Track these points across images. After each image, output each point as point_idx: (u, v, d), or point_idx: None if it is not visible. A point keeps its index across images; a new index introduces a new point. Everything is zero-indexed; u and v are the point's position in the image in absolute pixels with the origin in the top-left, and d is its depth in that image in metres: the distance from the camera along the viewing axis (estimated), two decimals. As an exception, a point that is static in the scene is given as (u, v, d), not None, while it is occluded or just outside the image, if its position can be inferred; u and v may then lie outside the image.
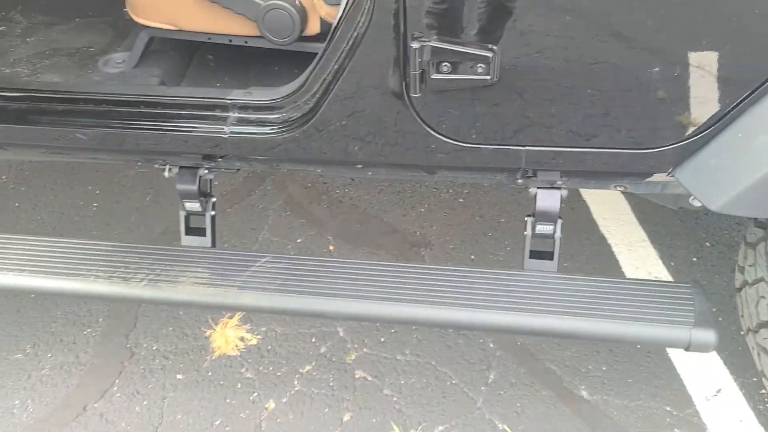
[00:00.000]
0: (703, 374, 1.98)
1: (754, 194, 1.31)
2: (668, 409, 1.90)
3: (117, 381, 2.03)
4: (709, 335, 1.47)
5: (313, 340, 2.14)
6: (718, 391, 1.94)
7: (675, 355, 2.04)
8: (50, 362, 2.09)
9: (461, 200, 2.63)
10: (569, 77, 1.34)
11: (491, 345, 2.09)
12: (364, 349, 2.10)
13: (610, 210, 2.56)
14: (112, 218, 2.61)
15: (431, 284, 1.62)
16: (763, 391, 1.92)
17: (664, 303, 1.55)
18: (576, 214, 2.54)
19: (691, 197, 1.68)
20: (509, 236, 2.47)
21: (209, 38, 1.74)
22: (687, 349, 1.50)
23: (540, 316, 1.54)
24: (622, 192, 1.63)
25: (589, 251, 2.39)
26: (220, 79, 1.82)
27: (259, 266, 1.69)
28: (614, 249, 2.40)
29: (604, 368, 2.01)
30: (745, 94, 1.30)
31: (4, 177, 2.82)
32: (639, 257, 2.36)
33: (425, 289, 1.61)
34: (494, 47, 1.29)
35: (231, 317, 2.20)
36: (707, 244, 2.40)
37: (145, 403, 1.97)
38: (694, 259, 2.34)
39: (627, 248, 2.40)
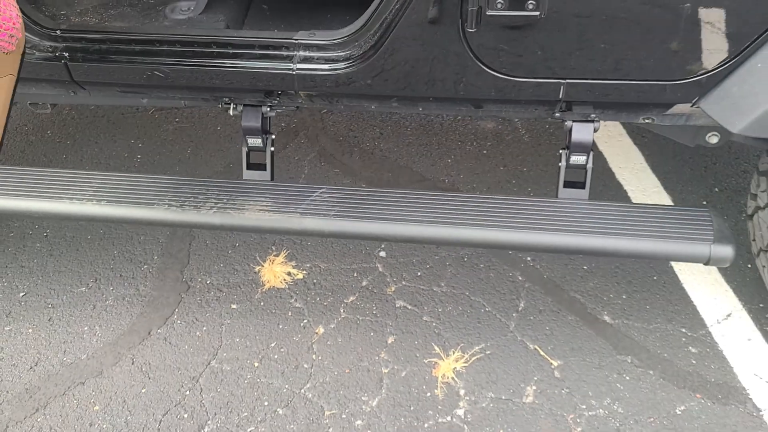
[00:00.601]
0: (715, 301, 2.17)
1: (773, 117, 1.48)
2: (683, 330, 2.09)
3: (176, 310, 2.20)
4: (727, 250, 1.65)
5: (355, 274, 2.31)
6: (728, 315, 2.13)
7: (688, 285, 2.22)
8: (113, 294, 2.26)
9: (485, 152, 2.80)
10: (607, 12, 1.50)
11: (520, 278, 2.27)
12: (403, 282, 2.28)
13: (625, 160, 2.74)
14: (156, 169, 2.77)
15: (475, 210, 1.79)
16: (770, 314, 2.11)
17: (686, 224, 1.73)
18: (594, 164, 2.70)
19: (708, 134, 1.86)
20: (531, 183, 2.64)
21: (272, -15, 1.89)
22: (707, 263, 1.68)
23: (575, 235, 1.71)
24: (648, 125, 1.80)
25: (607, 197, 2.56)
26: (277, 26, 1.98)
27: (317, 196, 1.86)
28: (630, 195, 2.58)
29: (624, 296, 2.20)
30: (765, 28, 1.46)
31: (49, 131, 2.97)
32: (653, 201, 2.53)
33: (470, 214, 1.78)
34: (544, -15, 1.45)
35: (277, 255, 2.37)
36: (716, 189, 2.58)
37: (204, 329, 2.15)
38: (704, 202, 2.53)
39: (642, 193, 2.58)
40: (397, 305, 2.21)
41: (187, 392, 1.97)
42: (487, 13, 1.49)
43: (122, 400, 1.96)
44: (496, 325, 2.13)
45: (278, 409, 1.92)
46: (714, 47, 1.51)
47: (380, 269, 2.32)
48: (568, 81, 1.61)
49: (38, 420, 1.91)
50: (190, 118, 3.04)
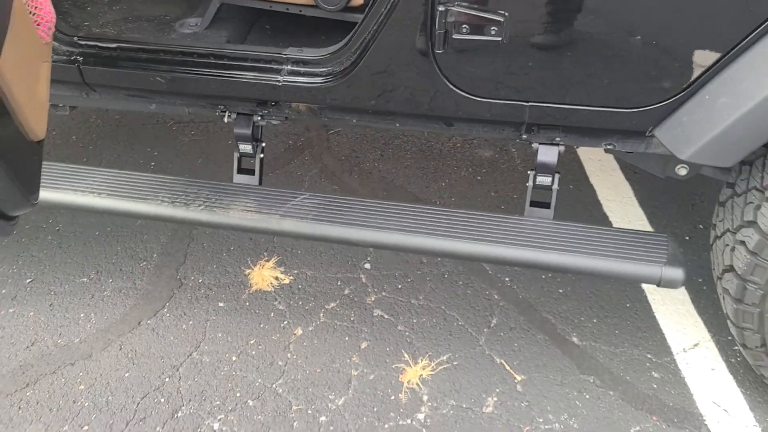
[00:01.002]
0: (684, 330, 2.21)
1: (716, 145, 1.57)
2: (649, 356, 2.14)
3: (167, 304, 2.34)
4: (677, 273, 1.72)
5: (339, 283, 2.42)
6: (695, 344, 2.17)
7: (660, 314, 2.28)
8: (111, 286, 2.41)
9: (479, 178, 2.91)
10: (568, 43, 1.62)
11: (496, 296, 2.36)
12: (383, 293, 2.38)
13: (614, 193, 2.81)
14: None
15: (447, 222, 1.89)
16: (736, 347, 2.14)
17: (643, 247, 1.81)
18: (584, 195, 2.80)
19: (677, 166, 1.94)
20: (520, 210, 2.72)
21: (270, 6, 2.06)
22: (658, 284, 1.75)
23: (535, 251, 1.80)
24: (612, 152, 1.89)
25: (591, 226, 2.64)
26: (275, 43, 2.13)
27: (298, 201, 1.99)
28: (615, 226, 2.65)
29: (594, 320, 2.26)
30: (711, 64, 1.56)
31: (74, 137, 3.18)
32: (636, 233, 2.60)
33: (441, 225, 1.88)
34: (506, 13, 1.57)
35: (268, 260, 2.50)
36: (700, 226, 2.64)
37: (190, 322, 2.27)
38: (687, 238, 2.58)
39: (626, 225, 2.64)
40: (375, 314, 2.30)
41: (167, 379, 2.09)
42: (453, 37, 1.62)
43: (106, 382, 2.08)
44: (466, 338, 2.21)
45: (249, 401, 2.03)
46: (667, 79, 1.61)
47: (363, 280, 2.43)
48: (530, 104, 1.72)
49: (27, 394, 2.05)
50: (204, 131, 3.22)
